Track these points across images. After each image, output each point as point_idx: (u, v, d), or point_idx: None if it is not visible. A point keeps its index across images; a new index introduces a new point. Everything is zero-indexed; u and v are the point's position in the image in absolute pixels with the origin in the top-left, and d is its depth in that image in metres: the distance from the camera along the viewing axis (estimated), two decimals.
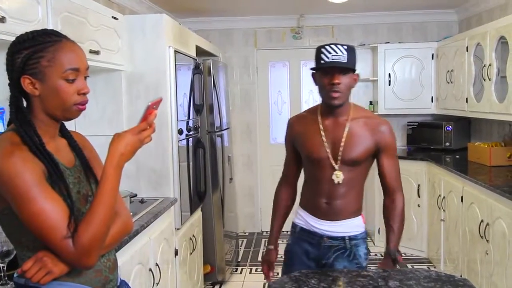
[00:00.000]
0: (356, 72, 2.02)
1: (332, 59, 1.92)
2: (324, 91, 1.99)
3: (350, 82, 1.99)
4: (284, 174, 2.30)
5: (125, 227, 1.47)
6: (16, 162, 1.21)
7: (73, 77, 1.32)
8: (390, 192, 2.11)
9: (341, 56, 1.92)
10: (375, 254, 4.78)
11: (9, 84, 1.33)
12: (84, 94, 1.35)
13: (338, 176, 2.02)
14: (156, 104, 1.36)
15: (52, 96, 1.31)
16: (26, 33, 1.33)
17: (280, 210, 2.29)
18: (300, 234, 2.16)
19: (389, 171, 2.09)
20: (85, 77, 1.38)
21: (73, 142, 1.47)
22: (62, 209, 1.25)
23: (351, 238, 2.09)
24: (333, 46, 1.94)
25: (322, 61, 1.94)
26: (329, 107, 2.04)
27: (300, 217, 2.19)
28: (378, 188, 4.94)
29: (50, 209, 1.22)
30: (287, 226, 2.27)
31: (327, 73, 1.96)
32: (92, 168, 1.48)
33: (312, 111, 2.17)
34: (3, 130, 2.02)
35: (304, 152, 2.12)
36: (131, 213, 2.50)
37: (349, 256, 2.08)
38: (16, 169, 1.21)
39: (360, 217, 2.13)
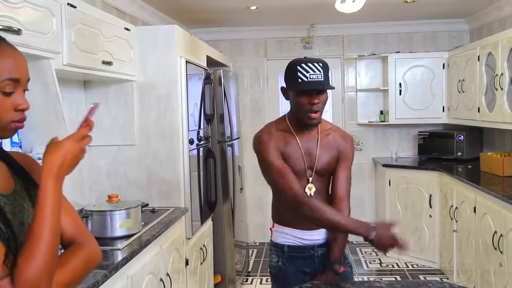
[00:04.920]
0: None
1: (311, 79, 1.90)
2: (303, 110, 1.97)
3: (326, 99, 2.00)
4: (297, 188, 1.96)
5: (90, 258, 1.21)
6: None
7: (10, 89, 1.08)
8: (338, 201, 2.05)
9: (319, 74, 1.91)
10: (386, 265, 4.74)
11: None
12: (23, 110, 1.12)
13: (311, 189, 2.04)
14: (95, 109, 1.21)
15: None
16: None
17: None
18: (290, 252, 2.09)
19: (342, 181, 2.07)
20: (24, 90, 1.13)
21: (15, 165, 1.19)
22: None
23: None
24: (309, 64, 1.92)
25: (300, 80, 1.91)
26: (306, 124, 2.03)
27: (282, 235, 2.11)
28: (389, 200, 4.97)
29: None
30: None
31: (305, 92, 1.94)
32: None
33: (280, 124, 2.11)
34: None
35: (288, 165, 2.01)
36: (142, 223, 2.52)
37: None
38: None
39: None
